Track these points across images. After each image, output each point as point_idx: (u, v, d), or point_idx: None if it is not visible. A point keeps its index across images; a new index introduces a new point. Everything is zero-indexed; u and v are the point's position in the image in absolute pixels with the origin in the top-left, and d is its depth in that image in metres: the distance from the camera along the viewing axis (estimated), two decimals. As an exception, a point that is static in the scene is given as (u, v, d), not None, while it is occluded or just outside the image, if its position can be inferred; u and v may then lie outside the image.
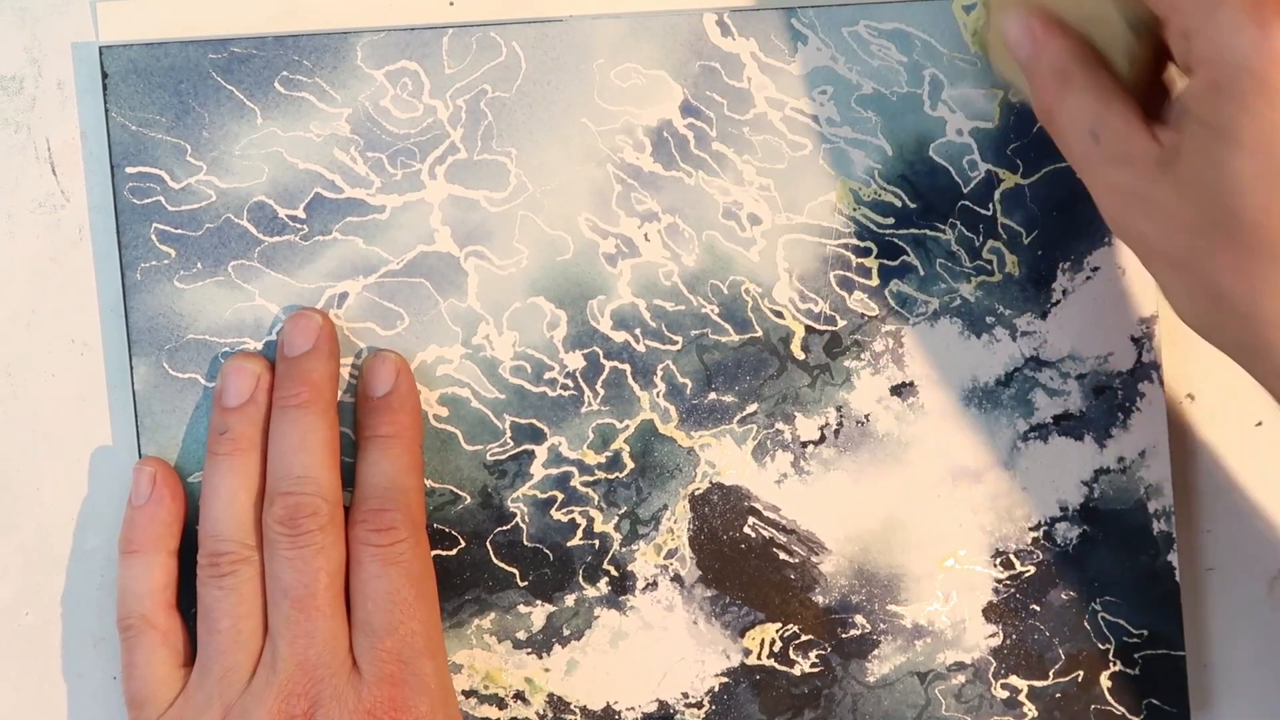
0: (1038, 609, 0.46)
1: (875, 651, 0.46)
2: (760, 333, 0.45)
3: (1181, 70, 0.36)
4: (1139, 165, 0.37)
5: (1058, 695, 0.46)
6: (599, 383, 0.45)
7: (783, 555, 0.46)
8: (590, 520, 0.45)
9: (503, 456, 0.45)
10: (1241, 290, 0.36)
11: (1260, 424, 0.47)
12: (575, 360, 0.45)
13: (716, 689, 0.46)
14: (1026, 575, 0.46)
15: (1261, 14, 0.34)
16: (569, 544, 0.45)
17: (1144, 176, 0.37)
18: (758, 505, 0.45)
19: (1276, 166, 0.34)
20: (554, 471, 0.45)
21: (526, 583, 0.45)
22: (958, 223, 0.45)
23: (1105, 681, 0.46)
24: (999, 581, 0.46)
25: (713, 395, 0.45)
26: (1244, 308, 0.36)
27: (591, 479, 0.45)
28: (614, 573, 0.45)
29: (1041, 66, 0.39)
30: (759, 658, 0.46)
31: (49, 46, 0.45)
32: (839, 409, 0.45)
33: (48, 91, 0.45)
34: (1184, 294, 0.38)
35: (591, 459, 0.45)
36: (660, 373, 0.45)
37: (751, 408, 0.45)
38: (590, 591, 0.45)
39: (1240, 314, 0.36)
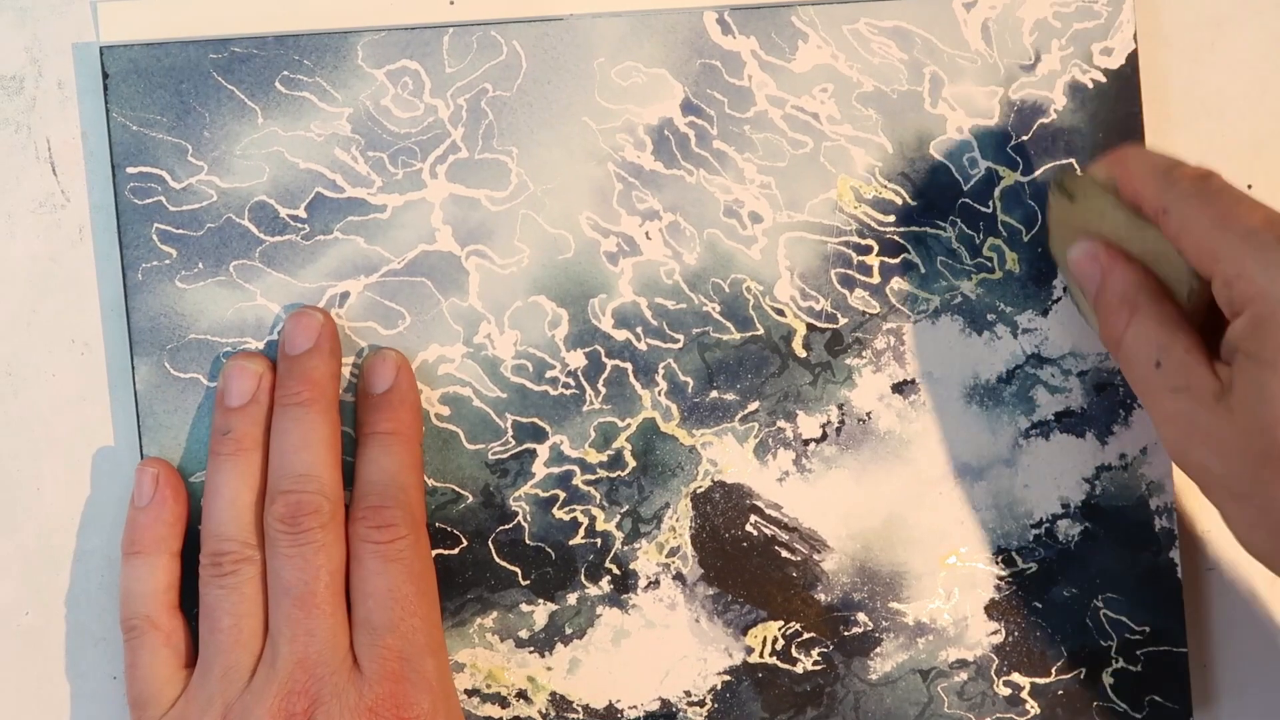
0: (1040, 606, 0.46)
1: (877, 649, 0.46)
2: (761, 331, 0.45)
3: (1229, 316, 0.37)
4: (1197, 395, 0.38)
5: (1060, 692, 0.46)
6: (600, 381, 0.45)
7: (785, 553, 0.46)
8: (592, 519, 0.45)
9: (504, 455, 0.45)
10: None
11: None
12: (577, 359, 0.45)
13: (719, 687, 0.46)
14: (1028, 572, 0.46)
15: None
16: (571, 543, 0.45)
17: (1201, 407, 0.38)
18: (760, 503, 0.45)
19: None
20: (556, 470, 0.45)
21: (528, 581, 0.45)
22: (958, 220, 0.45)
23: (1107, 678, 0.46)
24: (1001, 579, 0.46)
25: (714, 393, 0.45)
26: None
27: (593, 478, 0.45)
28: (616, 571, 0.45)
29: (1109, 294, 0.40)
30: (761, 656, 0.46)
31: (49, 46, 0.45)
32: (840, 407, 0.45)
33: (48, 91, 0.45)
34: (1246, 525, 0.38)
35: (593, 458, 0.45)
36: (662, 371, 0.45)
37: (753, 406, 0.45)
38: (592, 590, 0.45)
39: None
